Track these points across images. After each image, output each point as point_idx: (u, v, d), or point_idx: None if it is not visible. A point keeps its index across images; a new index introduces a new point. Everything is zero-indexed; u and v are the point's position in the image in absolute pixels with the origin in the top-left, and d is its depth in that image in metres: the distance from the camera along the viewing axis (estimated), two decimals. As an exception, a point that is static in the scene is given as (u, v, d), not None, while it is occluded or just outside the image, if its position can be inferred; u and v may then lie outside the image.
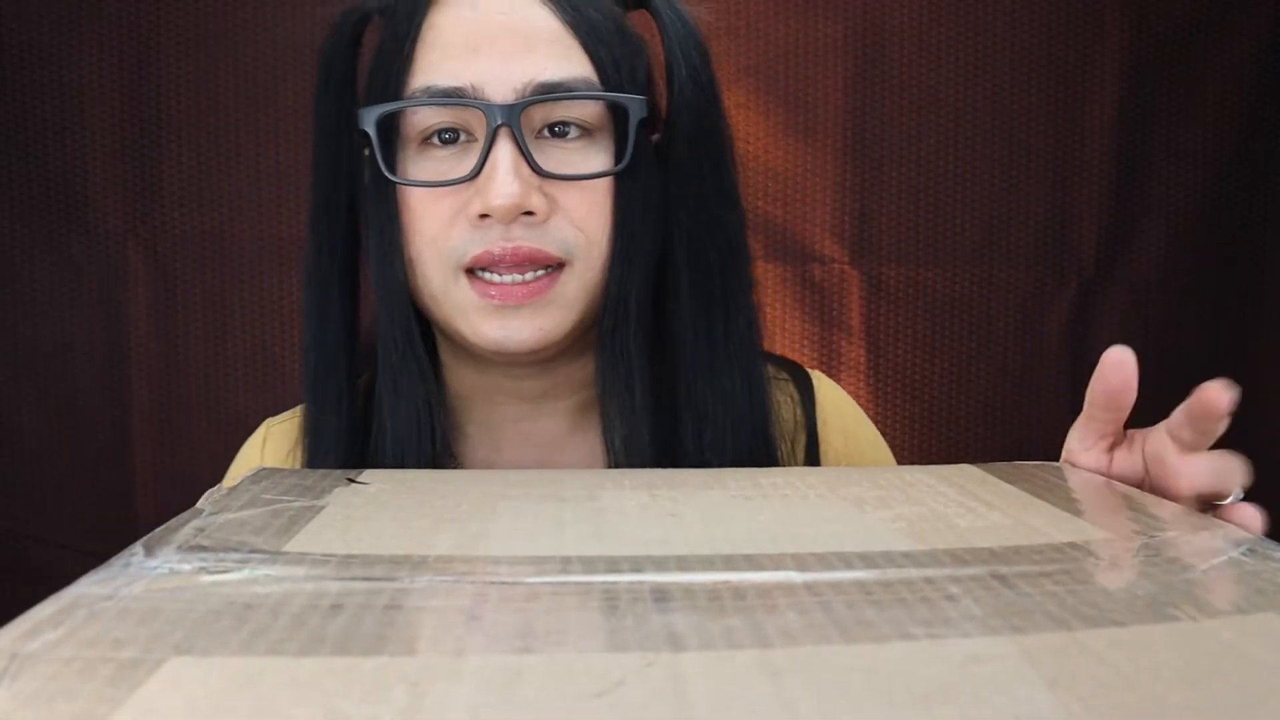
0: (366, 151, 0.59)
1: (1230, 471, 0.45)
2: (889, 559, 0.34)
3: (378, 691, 0.24)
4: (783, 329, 1.30)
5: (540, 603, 0.30)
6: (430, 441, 0.59)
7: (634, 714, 0.23)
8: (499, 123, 0.53)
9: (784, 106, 1.27)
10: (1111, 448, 0.50)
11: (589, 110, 0.56)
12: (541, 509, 0.41)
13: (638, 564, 0.33)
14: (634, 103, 0.56)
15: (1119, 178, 1.30)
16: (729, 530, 0.38)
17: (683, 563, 0.33)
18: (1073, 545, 0.36)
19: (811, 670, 0.25)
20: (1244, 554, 0.34)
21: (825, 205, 1.30)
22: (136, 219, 1.26)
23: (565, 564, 0.33)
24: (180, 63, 1.24)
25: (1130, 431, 0.50)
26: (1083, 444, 0.51)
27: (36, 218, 1.25)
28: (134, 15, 1.23)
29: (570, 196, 0.56)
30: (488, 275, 0.56)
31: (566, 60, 0.56)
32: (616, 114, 0.57)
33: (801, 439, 0.67)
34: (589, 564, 0.33)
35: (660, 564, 0.33)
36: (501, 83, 0.54)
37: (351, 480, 0.46)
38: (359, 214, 0.60)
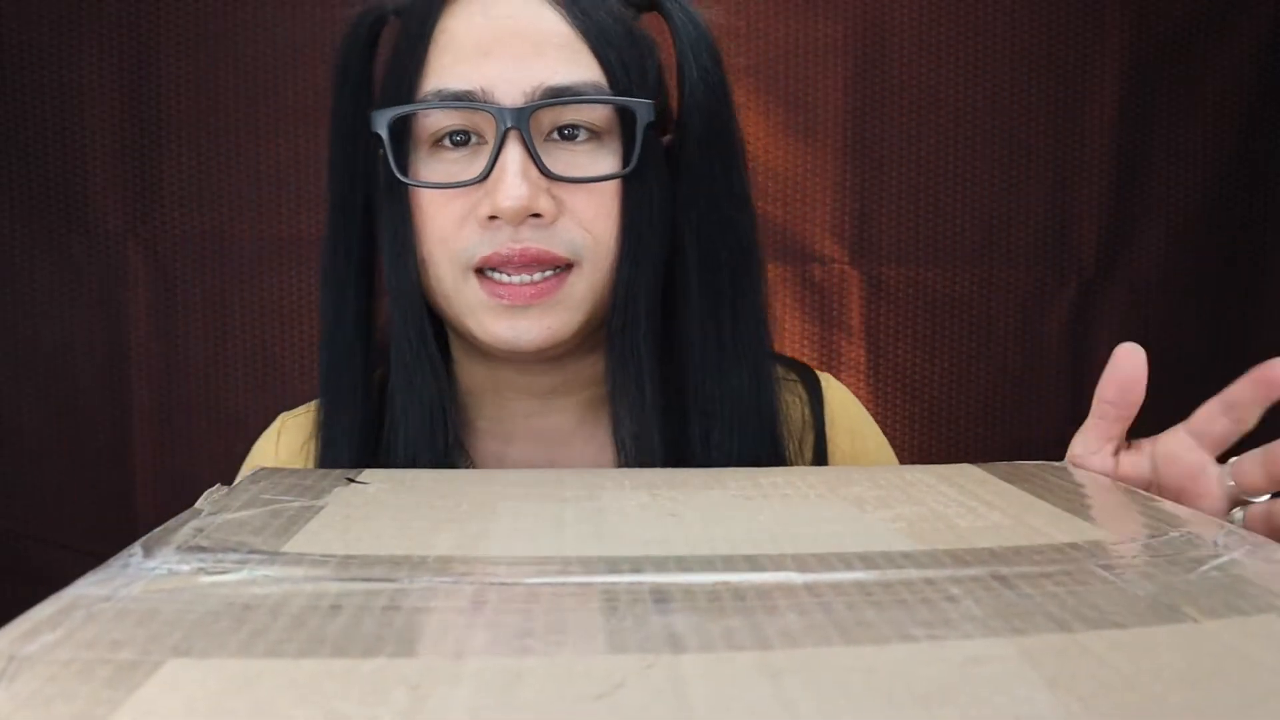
0: (381, 152, 0.59)
1: (1272, 462, 0.45)
2: (889, 559, 0.34)
3: (377, 693, 0.23)
4: (783, 329, 1.30)
5: (540, 604, 0.30)
6: (443, 437, 0.60)
7: (634, 716, 0.23)
8: (508, 126, 0.54)
9: (784, 106, 1.27)
10: (1116, 452, 0.51)
11: (597, 113, 0.57)
12: (541, 509, 0.41)
13: (637, 564, 0.33)
14: (641, 106, 0.57)
15: (1119, 178, 1.30)
16: (729, 530, 0.38)
17: (683, 563, 0.33)
18: (1073, 546, 0.36)
19: (812, 671, 0.25)
20: (1245, 555, 0.34)
21: (825, 205, 1.30)
22: (136, 219, 1.26)
23: (565, 564, 0.33)
24: (180, 63, 1.24)
25: (1135, 440, 0.51)
26: (1088, 448, 0.51)
27: (36, 218, 1.25)
28: (134, 15, 1.23)
29: (578, 198, 0.57)
30: (497, 275, 0.57)
31: (575, 64, 0.56)
32: (624, 117, 0.58)
33: (809, 439, 0.67)
34: (589, 564, 0.33)
35: (660, 564, 0.33)
36: (511, 86, 0.55)
37: (351, 480, 0.46)
38: (374, 214, 0.61)
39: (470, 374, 0.64)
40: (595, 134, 0.57)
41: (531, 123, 0.55)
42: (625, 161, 0.57)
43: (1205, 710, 0.23)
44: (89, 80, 1.23)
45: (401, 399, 0.60)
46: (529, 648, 0.26)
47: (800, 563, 0.33)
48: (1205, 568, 0.33)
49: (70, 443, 1.27)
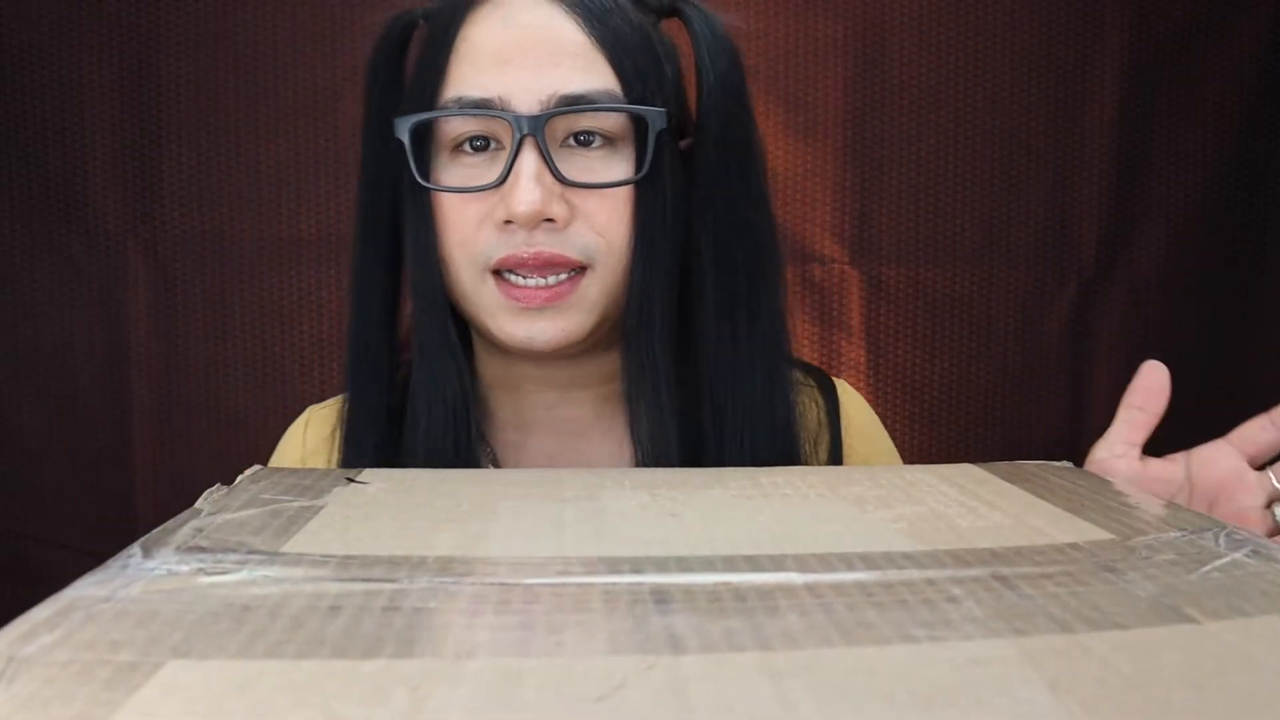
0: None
1: None
2: (890, 560, 0.34)
3: (377, 694, 0.23)
4: (783, 329, 1.30)
5: (540, 604, 0.30)
6: (464, 428, 0.62)
7: (634, 717, 0.23)
8: (524, 133, 0.56)
9: (784, 106, 1.27)
10: (1140, 458, 0.55)
11: (612, 120, 0.59)
12: (541, 509, 0.41)
13: (638, 565, 0.33)
14: (654, 115, 0.58)
15: (1119, 178, 1.30)
16: (729, 530, 0.38)
17: (683, 564, 0.33)
18: (1074, 546, 0.36)
19: (813, 672, 0.25)
20: (1247, 556, 0.34)
21: (825, 205, 1.30)
22: (136, 219, 1.26)
23: (565, 565, 0.33)
24: (180, 63, 1.24)
25: (1169, 454, 0.56)
26: (1112, 451, 0.56)
27: (36, 218, 1.25)
28: (134, 15, 1.23)
29: (592, 203, 0.58)
30: (513, 277, 0.58)
31: (591, 73, 0.58)
32: (638, 124, 0.59)
33: (825, 441, 0.69)
34: (589, 565, 0.33)
35: (660, 565, 0.33)
36: (528, 94, 0.57)
37: (351, 480, 0.46)
38: (401, 215, 0.63)
39: (490, 368, 0.66)
40: (610, 140, 0.59)
41: (546, 130, 0.56)
42: (638, 168, 0.59)
43: (1208, 712, 0.23)
44: (89, 80, 1.23)
45: (425, 392, 0.62)
46: (529, 648, 0.26)
47: (801, 563, 0.33)
48: (1207, 568, 0.33)
49: (70, 443, 1.27)
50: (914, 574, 0.32)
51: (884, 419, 0.77)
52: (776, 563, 0.33)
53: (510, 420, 0.67)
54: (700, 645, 0.26)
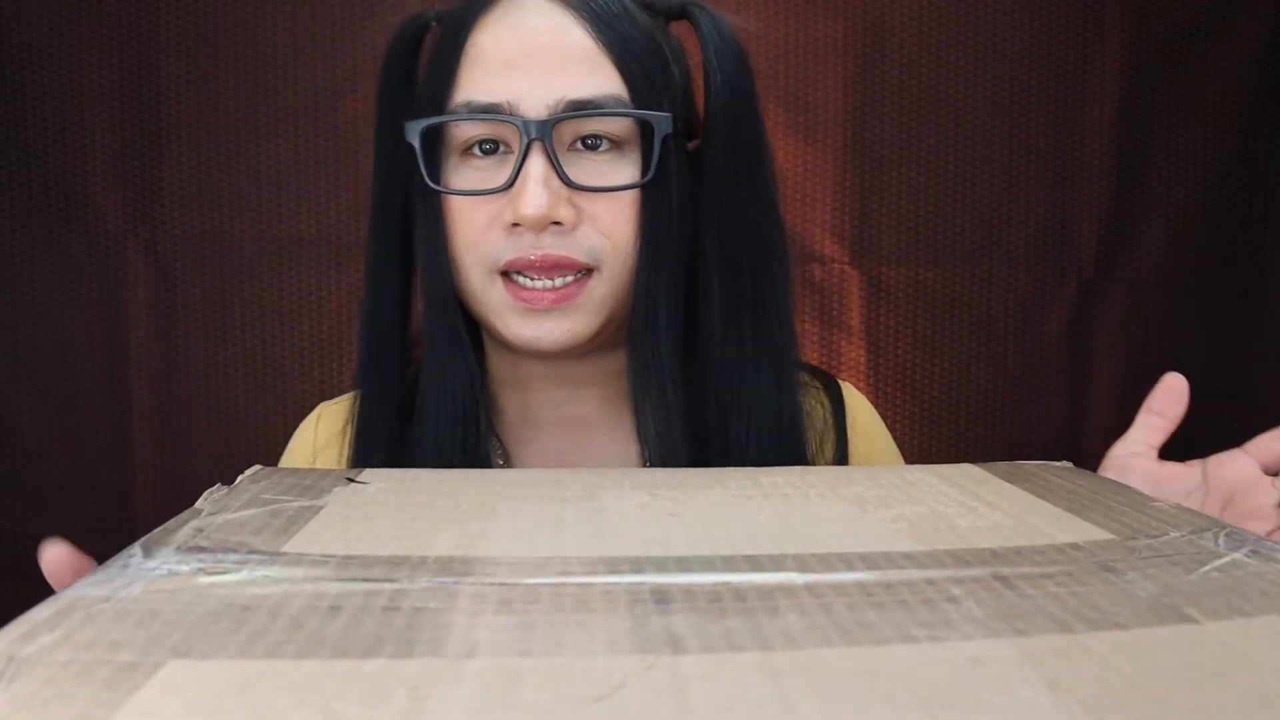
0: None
1: None
2: (890, 560, 0.34)
3: (377, 694, 0.23)
4: (783, 329, 1.30)
5: (540, 604, 0.30)
6: (474, 425, 0.63)
7: (634, 717, 0.23)
8: (532, 137, 0.57)
9: (784, 106, 1.27)
10: (1158, 460, 0.58)
11: (618, 125, 0.59)
12: (541, 509, 0.41)
13: (638, 565, 0.33)
14: (660, 119, 0.59)
15: (1119, 178, 1.30)
16: (729, 530, 0.38)
17: (683, 564, 0.33)
18: (1075, 546, 0.36)
19: (813, 673, 0.25)
20: (1247, 555, 0.34)
21: (825, 205, 1.30)
22: (136, 219, 1.26)
23: (565, 565, 0.33)
24: (180, 63, 1.24)
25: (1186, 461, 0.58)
26: (1132, 449, 0.58)
27: (36, 218, 1.25)
28: (134, 15, 1.23)
29: (598, 206, 0.59)
30: (521, 279, 0.59)
31: (598, 78, 0.58)
32: (645, 128, 0.60)
33: (830, 439, 0.70)
34: (589, 565, 0.33)
35: (660, 565, 0.33)
36: (536, 99, 0.58)
37: (351, 480, 0.46)
38: (412, 216, 0.64)
39: (499, 366, 0.67)
40: (616, 144, 0.60)
41: (554, 134, 0.57)
42: (645, 171, 0.60)
43: (1208, 712, 0.23)
44: (89, 80, 1.23)
45: (434, 389, 0.63)
46: (529, 648, 0.26)
47: (801, 563, 0.33)
48: (1207, 568, 0.33)
49: (70, 443, 1.27)
50: (914, 574, 0.32)
51: (884, 419, 0.77)
52: (776, 563, 0.33)
53: (519, 417, 0.68)
54: (700, 645, 0.26)
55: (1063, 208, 1.31)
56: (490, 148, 0.60)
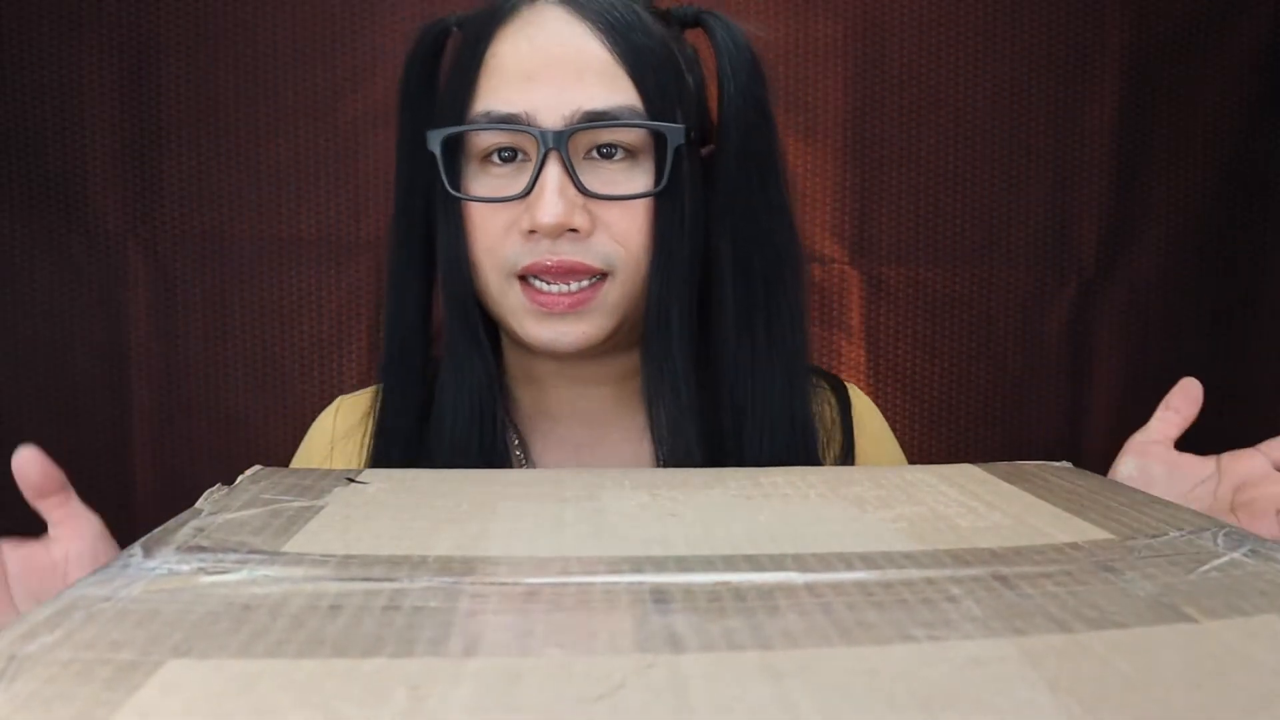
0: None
1: None
2: (890, 560, 0.34)
3: (377, 693, 0.23)
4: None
5: (540, 604, 0.30)
6: (491, 420, 0.65)
7: (634, 716, 0.23)
8: (549, 147, 0.59)
9: (784, 106, 1.27)
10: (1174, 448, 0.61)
11: (633, 135, 0.61)
12: (541, 509, 0.41)
13: (638, 564, 0.33)
14: (673, 131, 0.61)
15: (1119, 178, 1.30)
16: (729, 530, 0.38)
17: (683, 563, 0.33)
18: (1074, 546, 0.36)
19: (812, 672, 0.25)
20: (1246, 555, 0.34)
21: (825, 205, 1.30)
22: (136, 219, 1.26)
23: (565, 565, 0.33)
24: (180, 63, 1.24)
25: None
26: (1150, 437, 0.61)
27: (36, 218, 1.25)
28: (134, 15, 1.23)
29: (613, 213, 0.61)
30: (538, 283, 0.61)
31: (613, 89, 0.60)
32: (658, 138, 0.61)
33: (837, 440, 0.71)
34: (589, 565, 0.33)
35: (660, 564, 0.33)
36: (553, 110, 0.59)
37: (351, 480, 0.46)
38: (433, 220, 0.65)
39: (515, 364, 0.70)
40: (631, 153, 0.61)
41: (570, 144, 0.59)
42: (658, 179, 0.61)
43: (1207, 711, 0.23)
44: (89, 80, 1.23)
45: (453, 385, 0.65)
46: (529, 648, 0.26)
47: (801, 563, 0.33)
48: (1206, 568, 0.33)
49: (70, 443, 1.27)
50: (914, 574, 0.32)
51: (884, 419, 0.78)
52: (776, 562, 0.33)
53: (534, 410, 0.70)
54: (700, 645, 0.26)
55: (1063, 208, 1.31)
56: (509, 155, 0.62)
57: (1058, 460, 0.53)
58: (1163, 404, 0.63)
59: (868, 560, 0.33)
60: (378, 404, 0.69)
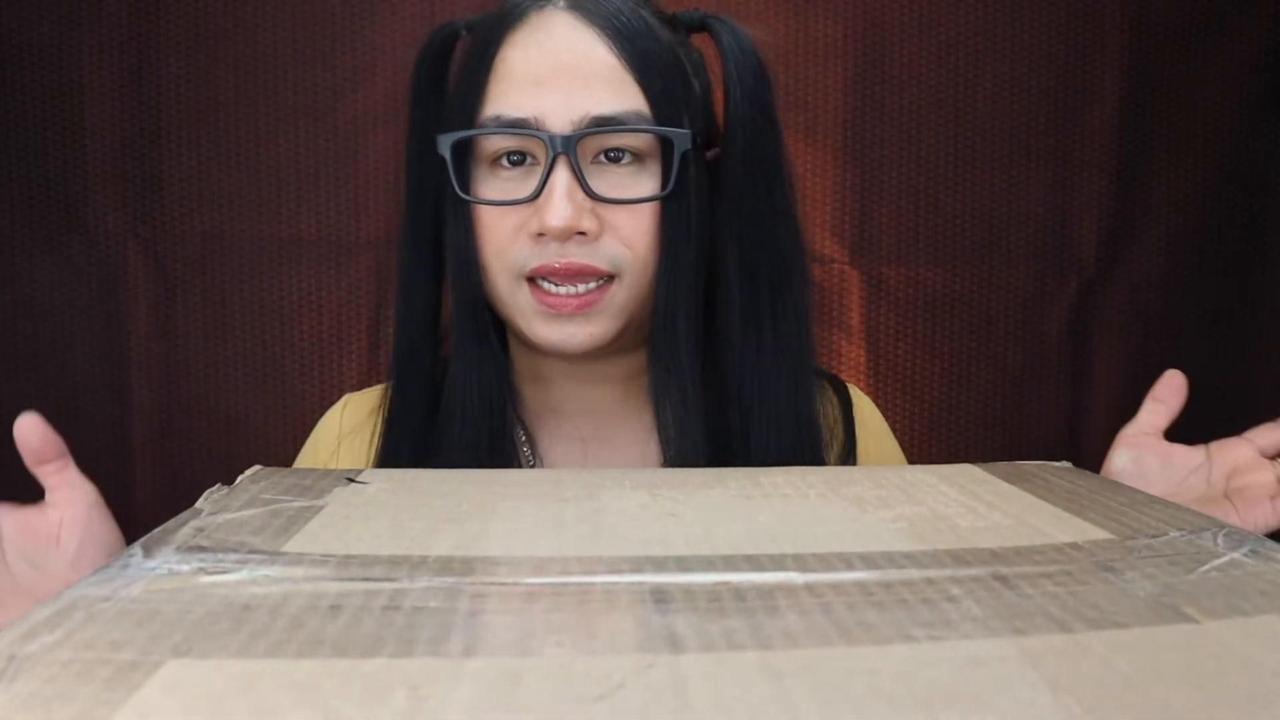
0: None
1: None
2: (890, 559, 0.34)
3: (377, 693, 0.23)
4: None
5: (540, 604, 0.30)
6: (500, 416, 0.66)
7: (634, 716, 0.23)
8: (557, 151, 0.60)
9: (784, 106, 1.26)
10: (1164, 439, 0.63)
11: (640, 139, 0.62)
12: (541, 509, 0.41)
13: (638, 564, 0.33)
14: (679, 136, 0.61)
15: (1119, 178, 1.30)
16: (729, 530, 0.38)
17: (683, 563, 0.33)
18: (1074, 546, 0.36)
19: (812, 672, 0.25)
20: (1246, 555, 0.34)
21: (825, 205, 1.30)
22: (136, 219, 1.26)
23: (565, 565, 0.33)
24: (180, 63, 1.24)
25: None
26: (1140, 429, 0.63)
27: (36, 218, 1.25)
28: (134, 15, 1.23)
29: (620, 217, 0.62)
30: (546, 285, 0.62)
31: (620, 94, 0.61)
32: (665, 142, 0.62)
33: (840, 439, 0.72)
34: (589, 565, 0.33)
35: (660, 564, 0.33)
36: (561, 115, 0.60)
37: (351, 480, 0.46)
38: (443, 222, 0.66)
39: (523, 361, 0.70)
40: (638, 157, 0.62)
41: (578, 148, 0.60)
42: (664, 184, 0.62)
43: (1207, 711, 0.23)
44: (89, 80, 1.23)
45: (462, 384, 0.66)
46: (529, 648, 0.26)
47: (801, 563, 0.33)
48: (1206, 568, 0.33)
49: (70, 443, 1.27)
50: (914, 574, 0.32)
51: (884, 419, 0.78)
52: (776, 562, 0.33)
53: (542, 406, 0.71)
54: (700, 645, 0.26)
55: (1063, 208, 1.31)
56: (518, 159, 0.62)
57: (1058, 460, 0.53)
58: (1150, 396, 0.65)
59: (868, 560, 0.33)
60: (387, 401, 0.70)
